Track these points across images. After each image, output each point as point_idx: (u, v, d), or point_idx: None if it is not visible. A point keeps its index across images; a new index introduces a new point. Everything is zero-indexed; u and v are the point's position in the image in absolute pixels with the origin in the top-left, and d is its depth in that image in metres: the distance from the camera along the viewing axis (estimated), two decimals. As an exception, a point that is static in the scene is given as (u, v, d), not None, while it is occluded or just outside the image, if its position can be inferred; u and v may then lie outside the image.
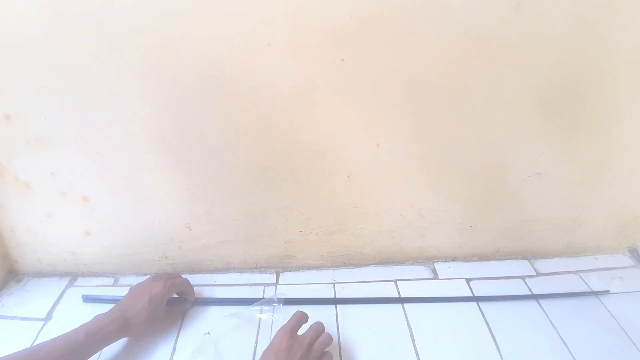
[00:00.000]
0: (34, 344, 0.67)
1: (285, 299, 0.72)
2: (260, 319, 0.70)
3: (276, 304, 0.69)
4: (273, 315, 0.69)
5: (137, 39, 0.57)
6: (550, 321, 0.70)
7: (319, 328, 0.61)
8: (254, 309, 0.70)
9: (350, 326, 0.70)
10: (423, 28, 0.58)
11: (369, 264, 0.85)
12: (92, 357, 0.59)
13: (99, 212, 0.74)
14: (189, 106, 0.63)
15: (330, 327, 0.69)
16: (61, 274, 0.82)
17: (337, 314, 0.72)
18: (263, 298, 0.72)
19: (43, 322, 0.71)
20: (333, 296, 0.76)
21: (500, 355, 0.64)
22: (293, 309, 0.71)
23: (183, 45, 0.58)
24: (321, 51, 0.59)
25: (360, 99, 0.64)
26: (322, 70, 0.61)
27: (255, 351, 0.65)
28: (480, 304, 0.74)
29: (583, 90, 0.66)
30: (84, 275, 0.82)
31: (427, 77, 0.62)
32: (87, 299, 0.75)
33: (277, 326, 0.66)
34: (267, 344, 0.59)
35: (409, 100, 0.65)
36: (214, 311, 0.73)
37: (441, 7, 0.56)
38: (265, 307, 0.70)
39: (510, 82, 0.64)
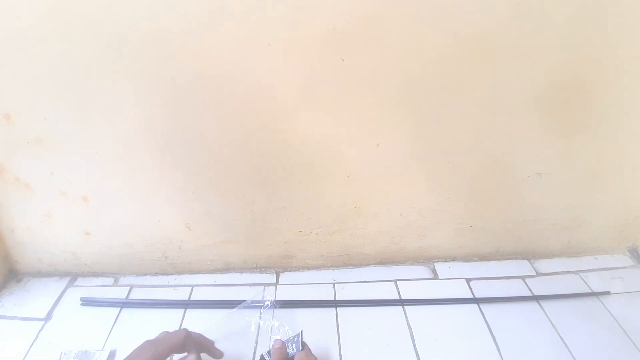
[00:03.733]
0: (34, 344, 0.67)
1: (288, 302, 0.72)
2: (259, 323, 0.69)
3: (270, 307, 0.69)
4: (272, 319, 0.69)
5: (137, 39, 0.57)
6: (551, 322, 0.70)
7: None
8: (251, 312, 0.69)
9: (350, 327, 0.70)
10: (423, 28, 0.58)
11: (369, 264, 0.85)
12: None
13: (99, 212, 0.74)
14: (189, 106, 0.63)
15: (330, 329, 0.69)
16: (61, 274, 0.82)
17: (337, 315, 0.72)
18: (262, 301, 0.71)
19: (43, 322, 0.71)
20: (333, 296, 0.76)
21: (501, 356, 0.64)
22: (292, 312, 0.71)
23: (183, 45, 0.58)
24: (321, 51, 0.59)
25: (360, 98, 0.64)
26: (322, 71, 0.61)
27: (255, 353, 0.65)
28: (481, 305, 0.74)
29: (583, 90, 0.66)
30: (84, 275, 0.82)
31: (427, 77, 0.62)
32: (86, 301, 0.75)
33: (276, 329, 0.66)
34: (266, 347, 0.58)
35: (409, 100, 0.65)
36: (213, 314, 0.73)
37: (441, 7, 0.56)
38: (263, 310, 0.69)
39: (510, 81, 0.64)
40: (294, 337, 0.61)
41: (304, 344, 0.59)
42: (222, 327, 0.68)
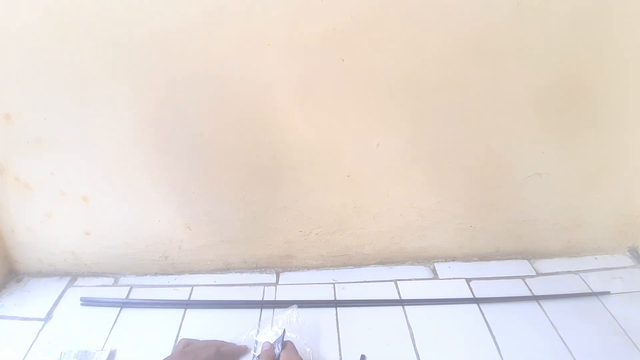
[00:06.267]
0: (34, 344, 0.67)
1: (287, 301, 0.72)
2: (258, 330, 0.68)
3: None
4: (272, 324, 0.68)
5: (137, 39, 0.57)
6: (551, 322, 0.70)
7: None
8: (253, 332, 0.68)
9: (350, 327, 0.70)
10: (423, 28, 0.58)
11: (369, 264, 0.85)
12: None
13: (99, 212, 0.74)
14: (189, 106, 0.63)
15: (330, 329, 0.69)
16: (61, 274, 0.82)
17: (337, 315, 0.72)
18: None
19: (43, 322, 0.71)
20: (333, 296, 0.76)
21: (501, 356, 0.64)
22: (293, 314, 0.70)
23: (183, 45, 0.58)
24: (321, 51, 0.59)
25: (360, 99, 0.64)
26: (322, 71, 0.61)
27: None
28: (481, 305, 0.74)
29: (583, 90, 0.66)
30: (84, 275, 0.82)
31: (427, 77, 0.62)
32: (86, 301, 0.75)
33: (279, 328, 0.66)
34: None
35: (409, 100, 0.65)
36: (213, 314, 0.73)
37: (441, 7, 0.56)
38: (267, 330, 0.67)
39: (510, 81, 0.64)
40: (279, 337, 0.62)
41: (285, 343, 0.61)
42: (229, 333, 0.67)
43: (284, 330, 0.63)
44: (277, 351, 0.60)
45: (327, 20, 0.56)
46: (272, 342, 0.62)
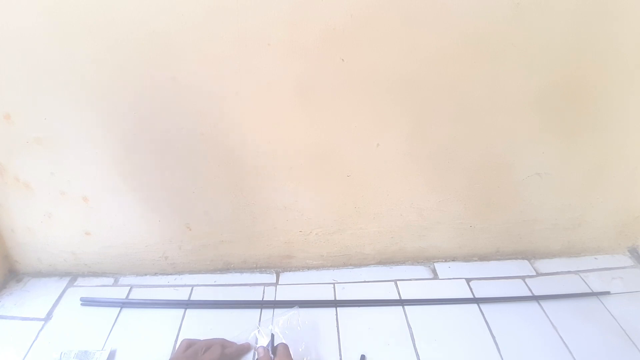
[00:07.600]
0: (34, 344, 0.67)
1: (287, 301, 0.72)
2: (258, 329, 0.68)
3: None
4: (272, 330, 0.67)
5: (137, 39, 0.57)
6: (551, 322, 0.70)
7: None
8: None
9: (350, 327, 0.70)
10: (423, 28, 0.58)
11: (369, 264, 0.85)
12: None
13: (99, 212, 0.74)
14: (189, 106, 0.63)
15: (330, 329, 0.69)
16: (61, 274, 0.82)
17: (337, 315, 0.72)
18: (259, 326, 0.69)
19: (43, 322, 0.71)
20: (333, 296, 0.76)
21: (501, 356, 0.64)
22: (292, 313, 0.70)
23: (183, 45, 0.58)
24: (321, 51, 0.59)
25: (360, 98, 0.64)
26: (322, 70, 0.61)
27: None
28: (481, 305, 0.74)
29: (583, 90, 0.66)
30: (84, 275, 0.82)
31: (427, 77, 0.62)
32: (86, 301, 0.75)
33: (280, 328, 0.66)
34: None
35: (409, 100, 0.65)
36: (213, 314, 0.73)
37: (441, 7, 0.56)
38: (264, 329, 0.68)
39: (510, 81, 0.64)
40: (269, 342, 0.62)
41: (276, 348, 0.60)
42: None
43: (272, 335, 0.63)
44: (272, 355, 0.60)
45: (327, 20, 0.56)
46: (265, 345, 0.62)
